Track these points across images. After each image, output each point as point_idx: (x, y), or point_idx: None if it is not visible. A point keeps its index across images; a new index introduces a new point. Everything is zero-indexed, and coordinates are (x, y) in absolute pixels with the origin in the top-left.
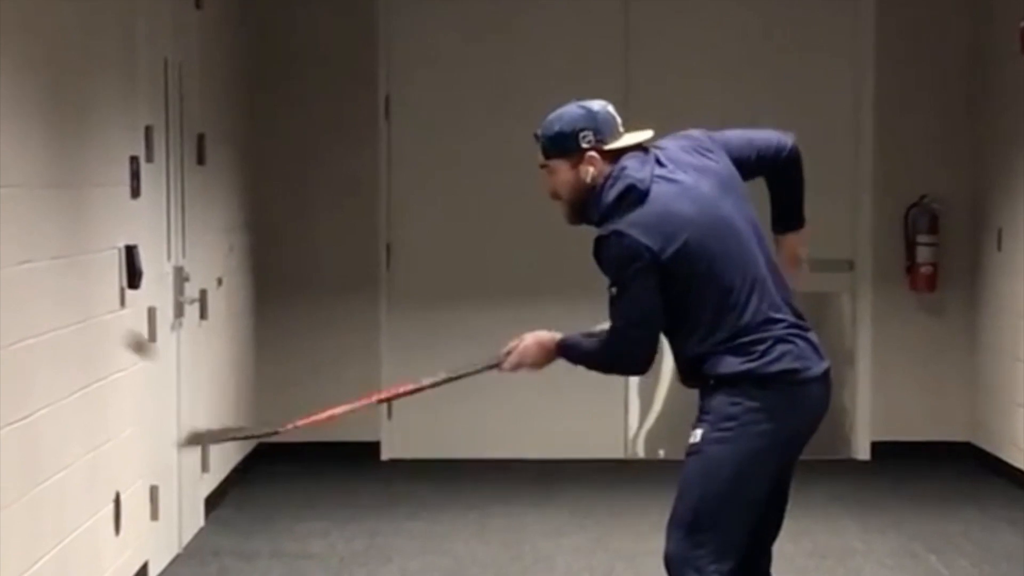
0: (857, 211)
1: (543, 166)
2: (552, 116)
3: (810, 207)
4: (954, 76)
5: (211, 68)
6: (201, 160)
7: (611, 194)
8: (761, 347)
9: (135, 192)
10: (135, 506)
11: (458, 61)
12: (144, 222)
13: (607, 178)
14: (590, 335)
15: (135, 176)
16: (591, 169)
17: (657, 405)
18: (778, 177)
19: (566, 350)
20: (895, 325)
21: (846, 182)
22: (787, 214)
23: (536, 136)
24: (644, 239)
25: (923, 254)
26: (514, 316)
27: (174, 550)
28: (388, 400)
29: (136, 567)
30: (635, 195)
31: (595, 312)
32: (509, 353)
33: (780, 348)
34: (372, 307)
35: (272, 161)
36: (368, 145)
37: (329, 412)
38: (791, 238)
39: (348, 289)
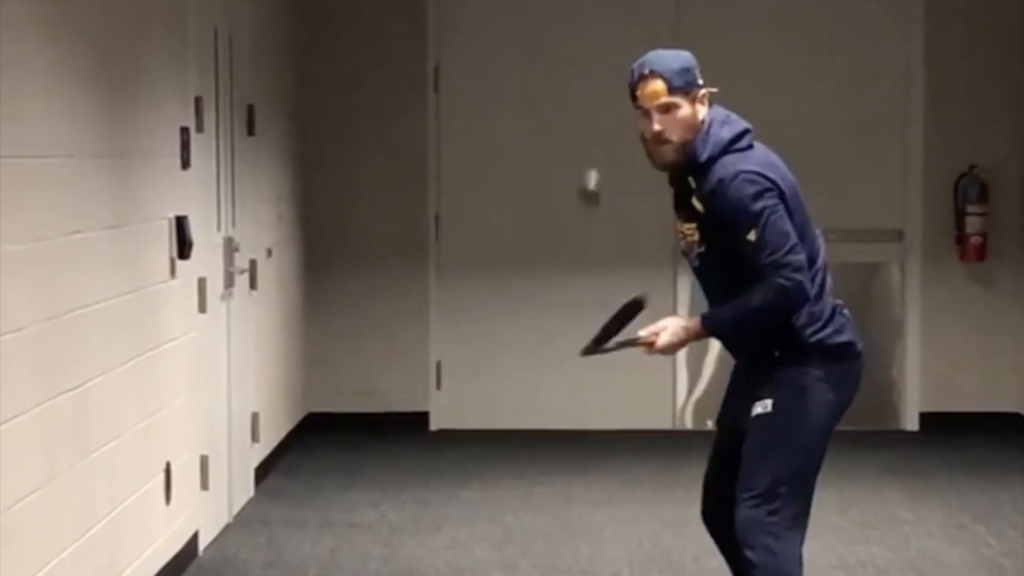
0: (907, 181)
1: (665, 104)
2: (663, 55)
3: (860, 177)
4: (1005, 46)
5: (261, 38)
6: (251, 131)
7: (725, 133)
8: (825, 318)
9: (185, 163)
10: (185, 476)
11: (507, 31)
12: (194, 192)
13: (712, 120)
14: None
15: (185, 147)
16: (701, 107)
17: (705, 376)
18: None
19: (715, 326)
20: (944, 295)
21: (896, 152)
22: None
23: (651, 72)
24: (770, 173)
25: (973, 224)
26: (562, 285)
27: (224, 519)
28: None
29: (186, 536)
30: (750, 138)
31: (640, 281)
32: (654, 334)
33: (839, 320)
34: (421, 277)
35: (322, 132)
36: (417, 115)
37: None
38: None
39: (397, 259)
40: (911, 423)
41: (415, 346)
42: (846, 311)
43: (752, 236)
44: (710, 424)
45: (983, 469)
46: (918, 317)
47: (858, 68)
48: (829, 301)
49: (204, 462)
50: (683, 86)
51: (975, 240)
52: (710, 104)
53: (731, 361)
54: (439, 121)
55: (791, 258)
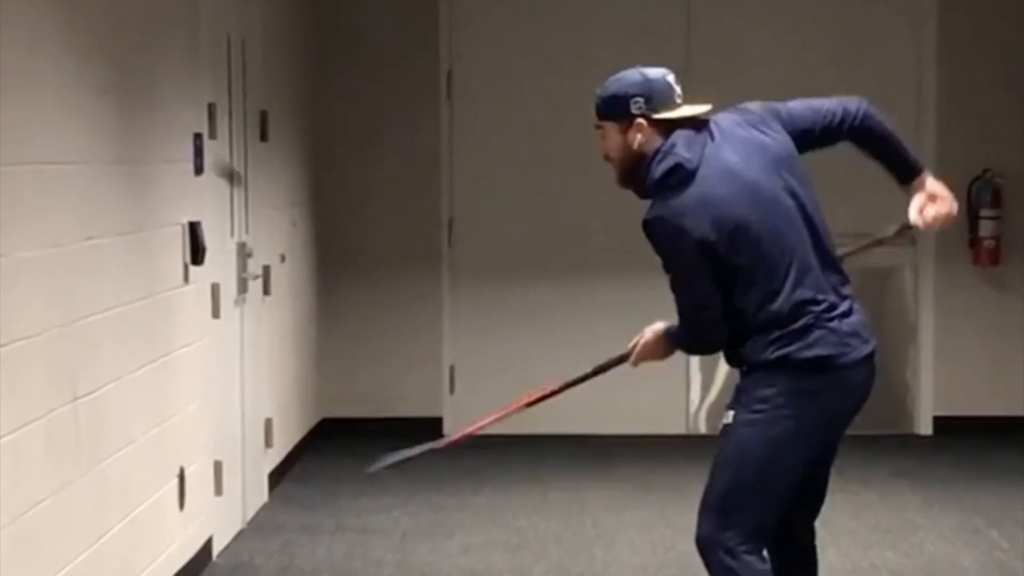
0: None
1: (597, 127)
2: (611, 78)
3: (873, 180)
4: (1019, 49)
5: (274, 45)
6: (264, 137)
7: (658, 170)
8: (795, 334)
9: (199, 169)
10: (199, 481)
11: (519, 37)
12: (207, 198)
13: (656, 151)
14: None
15: (199, 153)
16: (639, 136)
17: (718, 380)
18: (860, 141)
19: (668, 340)
20: (958, 299)
21: None
22: (897, 166)
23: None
24: (688, 223)
25: (986, 228)
26: (576, 291)
27: (238, 525)
28: (538, 401)
29: (200, 542)
30: (681, 175)
31: (657, 288)
32: (635, 347)
33: (816, 333)
34: (434, 282)
35: (334, 137)
36: (430, 121)
37: (481, 422)
38: (917, 184)
39: (410, 264)
40: (925, 427)
41: (428, 351)
42: (832, 323)
43: (670, 277)
44: None
45: (997, 473)
46: (931, 321)
47: (870, 72)
48: (807, 317)
49: (218, 468)
50: (607, 114)
51: (988, 244)
52: (663, 129)
53: None
54: (452, 127)
55: (698, 315)
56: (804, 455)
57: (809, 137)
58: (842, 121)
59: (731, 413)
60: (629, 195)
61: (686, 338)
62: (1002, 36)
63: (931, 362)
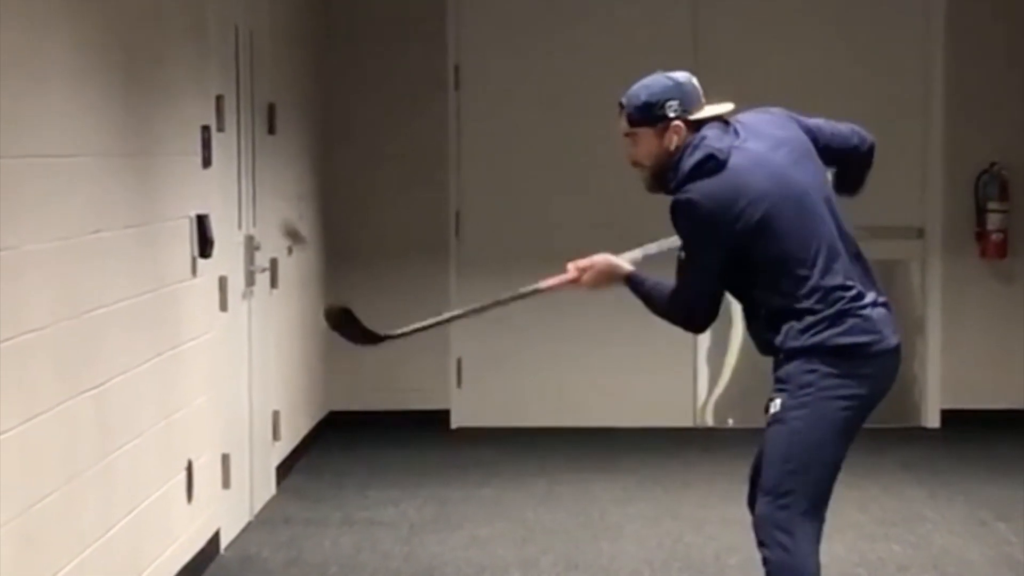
0: (927, 178)
1: (628, 135)
2: (638, 86)
3: (880, 174)
4: None
5: (281, 37)
6: (272, 129)
7: (689, 162)
8: (829, 320)
9: (206, 161)
10: (207, 474)
11: (527, 29)
12: (215, 191)
13: (687, 146)
14: (658, 283)
15: (206, 145)
16: (675, 138)
17: (726, 374)
18: (848, 166)
19: (634, 284)
20: (965, 292)
21: (916, 149)
22: (850, 183)
23: (621, 105)
24: (717, 209)
25: (993, 221)
26: None
27: (246, 518)
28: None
29: (208, 535)
30: (713, 164)
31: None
32: (581, 269)
33: (850, 321)
34: (442, 274)
35: (342, 130)
36: (438, 113)
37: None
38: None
39: (418, 257)
40: (932, 420)
41: (436, 344)
42: (865, 311)
43: (682, 255)
44: (731, 422)
45: (1004, 466)
46: (939, 314)
47: (878, 65)
48: (840, 303)
49: (225, 460)
50: (642, 120)
51: (996, 237)
52: (694, 128)
53: (752, 359)
54: (459, 119)
55: (694, 299)
56: (849, 435)
57: (817, 148)
58: (854, 149)
59: (778, 400)
60: (637, 185)
61: (668, 310)
62: (1010, 29)
63: (938, 355)
